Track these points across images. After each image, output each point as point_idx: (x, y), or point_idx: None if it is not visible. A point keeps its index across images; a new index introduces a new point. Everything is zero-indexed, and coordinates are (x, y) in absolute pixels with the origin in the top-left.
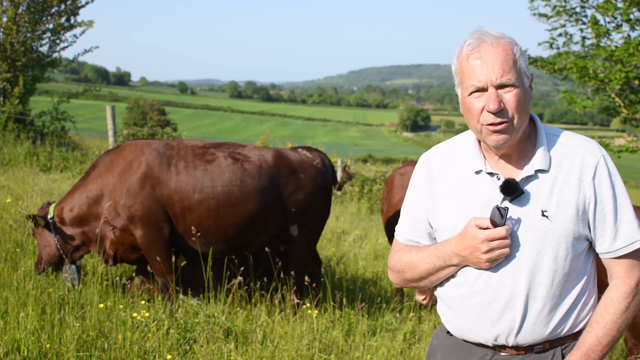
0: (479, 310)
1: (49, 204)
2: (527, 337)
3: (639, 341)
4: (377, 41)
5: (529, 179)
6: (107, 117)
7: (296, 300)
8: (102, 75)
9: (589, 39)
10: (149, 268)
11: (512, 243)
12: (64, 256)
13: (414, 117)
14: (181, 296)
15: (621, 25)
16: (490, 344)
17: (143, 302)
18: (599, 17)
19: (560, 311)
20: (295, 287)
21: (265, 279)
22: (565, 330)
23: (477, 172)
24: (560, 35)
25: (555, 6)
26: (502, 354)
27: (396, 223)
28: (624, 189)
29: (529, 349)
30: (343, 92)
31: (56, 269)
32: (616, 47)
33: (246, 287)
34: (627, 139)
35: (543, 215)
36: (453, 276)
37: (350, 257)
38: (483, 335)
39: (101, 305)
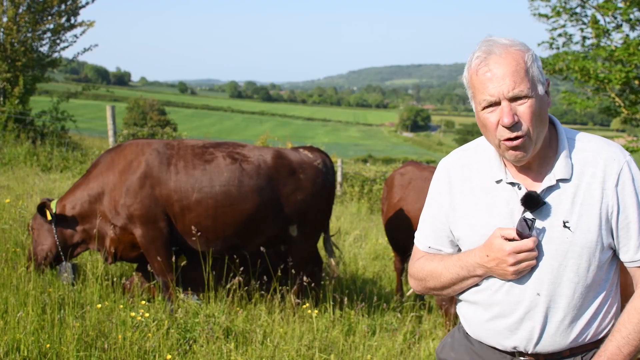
0: (499, 319)
1: (49, 200)
2: (547, 346)
3: None
4: (377, 41)
5: (550, 189)
6: (107, 117)
7: (296, 301)
8: (102, 75)
9: (589, 38)
10: (149, 267)
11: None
12: (61, 253)
13: (414, 117)
14: (181, 296)
15: (621, 25)
16: (508, 350)
17: (143, 302)
18: (599, 17)
19: (581, 322)
20: (295, 287)
21: (265, 277)
22: (587, 339)
23: (498, 182)
24: (560, 35)
25: (555, 6)
26: (520, 358)
27: (396, 223)
28: None
29: (548, 356)
30: (343, 92)
31: (52, 266)
32: (616, 47)
33: (246, 287)
34: (627, 139)
35: (565, 226)
36: (476, 285)
37: (350, 257)
38: (501, 343)
39: (99, 306)
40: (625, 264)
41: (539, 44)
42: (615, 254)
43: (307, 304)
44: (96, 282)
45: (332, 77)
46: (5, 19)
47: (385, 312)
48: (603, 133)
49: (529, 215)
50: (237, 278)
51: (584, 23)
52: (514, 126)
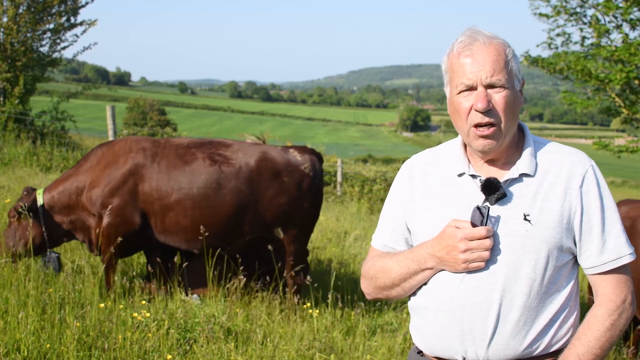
0: (450, 318)
1: (33, 190)
2: (500, 351)
3: None
4: (377, 41)
5: (512, 181)
6: (107, 117)
7: (294, 300)
8: (102, 75)
9: (589, 38)
10: (149, 268)
11: (492, 247)
12: (46, 243)
13: (414, 117)
14: (182, 296)
15: (621, 25)
16: (460, 358)
17: (143, 302)
18: (599, 16)
19: (536, 326)
20: (289, 288)
21: (267, 278)
22: (541, 348)
23: (460, 175)
24: (558, 35)
25: (555, 6)
26: None
27: None
28: (612, 201)
29: None
30: (343, 92)
31: (31, 255)
32: (617, 47)
33: (246, 287)
34: (627, 139)
35: (525, 219)
36: (426, 283)
37: (350, 257)
38: (453, 347)
39: (101, 305)
40: (587, 272)
41: (537, 45)
42: (575, 264)
43: (308, 304)
44: (96, 282)
45: (332, 77)
46: (5, 19)
47: (385, 312)
48: (603, 133)
49: (483, 205)
50: (237, 278)
51: (584, 23)
52: (488, 112)
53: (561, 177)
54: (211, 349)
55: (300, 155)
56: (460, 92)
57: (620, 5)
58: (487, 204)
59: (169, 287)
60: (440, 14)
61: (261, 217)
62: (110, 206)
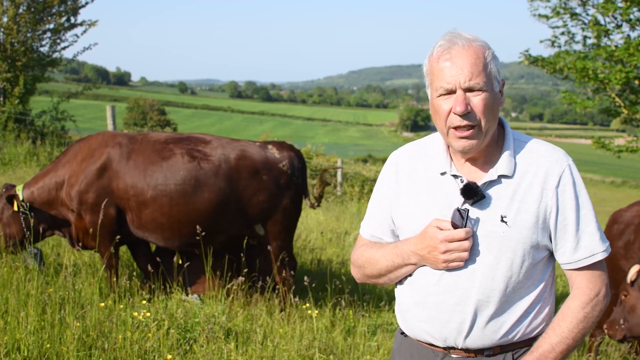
0: (431, 311)
1: (12, 186)
2: (477, 341)
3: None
4: (377, 41)
5: (491, 183)
6: (107, 117)
7: (282, 295)
8: (102, 75)
9: (589, 38)
10: (149, 267)
11: (471, 247)
12: (27, 239)
13: (414, 117)
14: (182, 296)
15: (621, 25)
16: (440, 345)
17: (144, 302)
18: (599, 17)
19: (512, 318)
20: (277, 286)
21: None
22: (517, 337)
23: (442, 174)
24: (562, 34)
25: (555, 7)
26: (453, 355)
27: None
28: (588, 200)
29: (479, 352)
30: (343, 92)
31: (15, 251)
32: (616, 47)
33: (247, 286)
34: (627, 139)
35: (502, 221)
36: (410, 275)
37: (350, 257)
38: (433, 336)
39: (101, 305)
40: (562, 267)
41: (541, 41)
42: (550, 257)
43: (308, 304)
44: (96, 282)
45: (332, 77)
46: (5, 19)
47: (385, 312)
48: (603, 133)
49: (463, 207)
50: (239, 278)
51: (584, 23)
52: (466, 115)
53: (538, 177)
54: (211, 349)
55: (279, 152)
56: (440, 95)
57: (620, 5)
58: (467, 206)
59: (167, 287)
60: (440, 14)
61: (240, 214)
62: (89, 204)
